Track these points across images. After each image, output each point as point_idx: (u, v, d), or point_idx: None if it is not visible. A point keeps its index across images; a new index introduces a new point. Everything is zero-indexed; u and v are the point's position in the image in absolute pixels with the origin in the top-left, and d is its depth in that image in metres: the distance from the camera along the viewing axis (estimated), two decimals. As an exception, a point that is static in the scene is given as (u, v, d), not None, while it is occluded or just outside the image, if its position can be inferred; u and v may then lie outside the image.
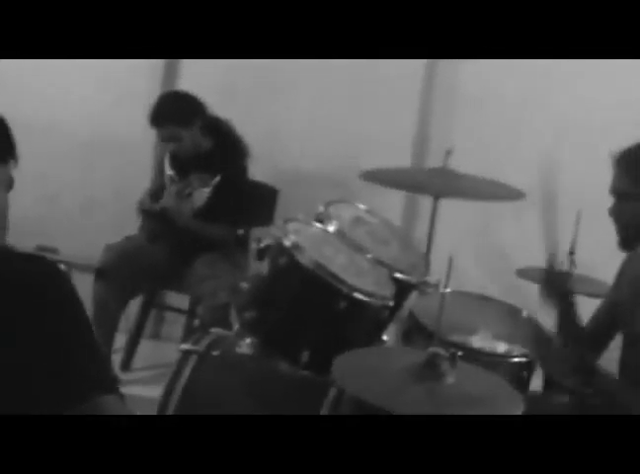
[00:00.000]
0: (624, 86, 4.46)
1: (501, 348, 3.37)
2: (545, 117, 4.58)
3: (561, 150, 4.48)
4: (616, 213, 2.73)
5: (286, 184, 4.61)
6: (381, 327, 3.10)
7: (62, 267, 4.74)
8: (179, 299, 4.59)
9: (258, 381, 3.01)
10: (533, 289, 3.89)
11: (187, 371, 3.03)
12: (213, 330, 3.30)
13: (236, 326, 2.98)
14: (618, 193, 2.71)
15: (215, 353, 3.11)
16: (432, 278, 3.61)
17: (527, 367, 3.40)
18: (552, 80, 4.52)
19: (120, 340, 4.40)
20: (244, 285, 3.04)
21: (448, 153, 3.74)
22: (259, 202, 4.43)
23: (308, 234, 3.06)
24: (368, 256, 3.15)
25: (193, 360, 3.08)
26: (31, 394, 1.57)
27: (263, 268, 2.97)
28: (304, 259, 2.84)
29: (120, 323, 4.24)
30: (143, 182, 4.41)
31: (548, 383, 3.33)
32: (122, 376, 4.38)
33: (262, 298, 2.95)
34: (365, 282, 2.95)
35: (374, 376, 2.44)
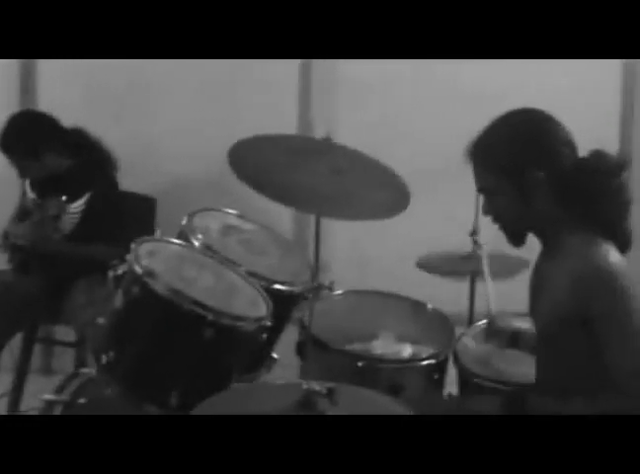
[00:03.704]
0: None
1: (406, 351, 3.06)
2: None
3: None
4: (490, 212, 2.42)
5: (164, 191, 4.22)
6: (263, 348, 2.74)
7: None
8: (67, 330, 4.18)
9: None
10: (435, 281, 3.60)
11: (50, 425, 2.67)
12: (83, 371, 2.95)
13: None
14: (484, 191, 2.41)
15: (82, 400, 2.75)
16: (324, 282, 3.27)
17: (438, 368, 3.08)
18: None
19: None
20: (101, 321, 2.66)
21: (326, 140, 3.39)
22: (136, 215, 4.04)
23: (166, 255, 2.68)
24: (241, 269, 2.78)
25: (57, 412, 2.73)
26: None
27: (117, 300, 2.58)
28: (159, 286, 2.46)
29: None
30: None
31: (464, 383, 3.00)
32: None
33: (118, 336, 2.56)
34: (236, 304, 2.58)
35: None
